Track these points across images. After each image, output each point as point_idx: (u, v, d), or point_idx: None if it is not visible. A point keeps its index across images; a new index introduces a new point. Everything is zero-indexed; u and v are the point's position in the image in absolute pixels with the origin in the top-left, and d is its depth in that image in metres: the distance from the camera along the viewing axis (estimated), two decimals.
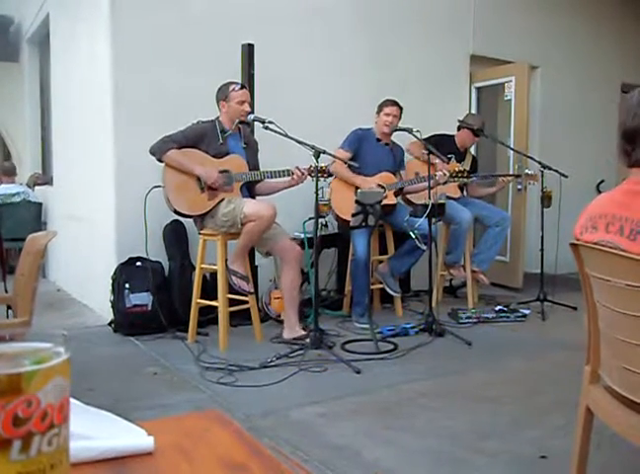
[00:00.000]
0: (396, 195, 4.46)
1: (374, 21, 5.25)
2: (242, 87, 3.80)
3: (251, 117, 3.68)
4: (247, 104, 3.77)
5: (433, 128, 4.93)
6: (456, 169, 4.48)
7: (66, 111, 5.57)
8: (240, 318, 4.00)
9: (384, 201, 3.89)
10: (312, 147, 3.46)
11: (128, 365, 3.38)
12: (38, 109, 7.53)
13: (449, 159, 4.68)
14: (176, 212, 3.76)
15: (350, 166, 4.17)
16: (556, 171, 4.67)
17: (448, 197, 4.53)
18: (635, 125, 1.50)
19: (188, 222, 4.09)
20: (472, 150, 5.39)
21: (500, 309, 4.56)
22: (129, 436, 0.68)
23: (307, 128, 3.96)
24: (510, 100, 5.73)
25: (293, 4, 4.85)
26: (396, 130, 4.30)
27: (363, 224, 3.70)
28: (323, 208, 4.18)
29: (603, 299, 1.53)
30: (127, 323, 3.99)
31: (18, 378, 0.47)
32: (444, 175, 4.33)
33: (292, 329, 3.78)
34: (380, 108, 4.43)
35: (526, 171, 5.04)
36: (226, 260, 3.69)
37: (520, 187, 5.57)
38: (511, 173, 5.53)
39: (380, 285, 4.58)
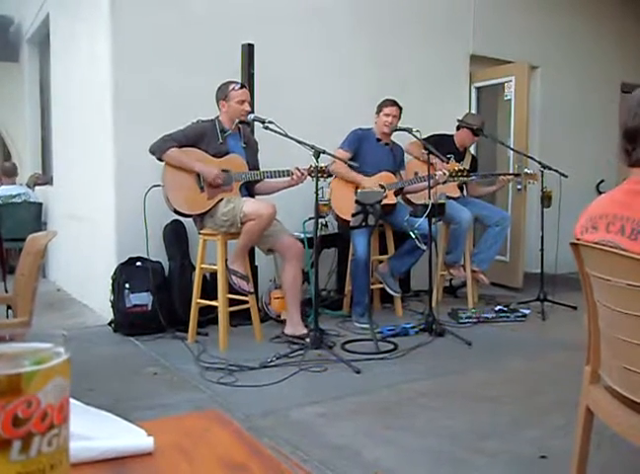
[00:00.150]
0: (396, 194, 4.46)
1: (374, 21, 5.25)
2: (242, 86, 3.80)
3: (251, 116, 3.68)
4: (247, 103, 3.77)
5: (432, 128, 4.93)
6: (456, 168, 4.49)
7: (66, 110, 5.57)
8: (240, 318, 4.00)
9: (384, 201, 3.89)
10: (312, 147, 3.46)
11: (128, 365, 3.38)
12: (38, 109, 7.53)
13: (449, 159, 4.68)
14: (175, 212, 3.75)
15: (350, 166, 4.17)
16: (556, 171, 4.66)
17: (448, 197, 4.52)
18: (636, 125, 1.50)
19: (188, 222, 4.09)
20: (472, 150, 5.39)
21: (500, 309, 4.56)
22: (129, 437, 0.68)
23: (307, 128, 3.97)
24: (510, 100, 5.73)
25: (293, 4, 4.85)
26: (396, 130, 4.30)
27: (363, 224, 3.70)
28: (323, 208, 4.18)
29: (604, 299, 1.53)
30: (127, 323, 3.99)
31: (18, 379, 0.47)
32: (444, 174, 4.33)
33: (295, 326, 3.77)
34: (380, 108, 4.44)
35: (526, 170, 5.04)
36: (226, 260, 3.69)
37: (519, 186, 5.56)
38: (510, 172, 5.53)
39: (380, 285, 4.57)
